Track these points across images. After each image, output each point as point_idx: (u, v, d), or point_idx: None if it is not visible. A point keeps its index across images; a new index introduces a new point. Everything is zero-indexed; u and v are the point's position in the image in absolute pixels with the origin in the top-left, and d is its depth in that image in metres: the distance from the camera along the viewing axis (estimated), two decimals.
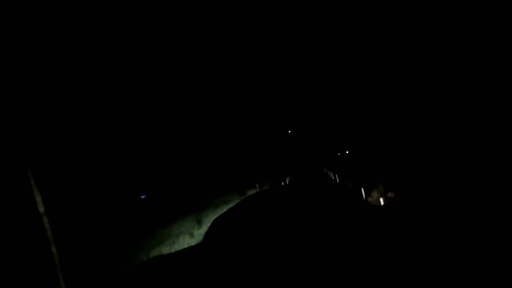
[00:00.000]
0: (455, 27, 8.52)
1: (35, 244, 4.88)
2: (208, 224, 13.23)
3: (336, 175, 18.46)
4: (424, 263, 7.18)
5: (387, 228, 9.51)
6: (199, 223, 13.23)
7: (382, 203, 12.42)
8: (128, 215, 16.49)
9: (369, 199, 14.55)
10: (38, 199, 5.30)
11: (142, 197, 19.77)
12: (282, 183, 25.99)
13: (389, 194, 13.81)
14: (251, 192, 21.62)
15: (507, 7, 7.17)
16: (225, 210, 16.50)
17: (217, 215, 15.27)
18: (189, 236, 11.31)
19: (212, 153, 25.35)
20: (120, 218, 15.35)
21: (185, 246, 10.52)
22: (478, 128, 8.99)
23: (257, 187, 21.85)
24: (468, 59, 8.43)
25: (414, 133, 10.54)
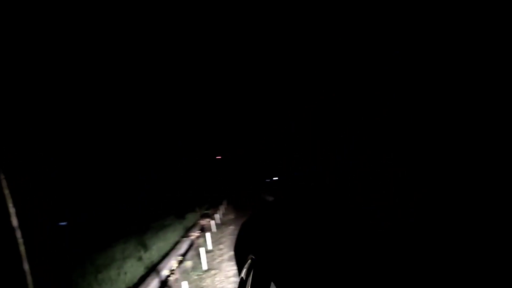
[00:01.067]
0: (455, 27, 9.21)
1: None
2: (155, 247, 12.63)
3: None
4: (424, 263, 7.40)
5: (387, 228, 9.65)
6: (144, 246, 12.52)
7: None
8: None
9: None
10: (12, 211, 4.83)
11: (62, 224, 17.81)
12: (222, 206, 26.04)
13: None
14: (190, 215, 21.21)
15: (507, 7, 7.84)
16: (168, 233, 15.86)
17: (160, 238, 14.63)
18: (137, 260, 10.69)
19: (152, 176, 24.29)
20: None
21: (134, 270, 9.95)
22: (478, 128, 9.36)
23: (197, 210, 21.65)
24: (468, 59, 9.09)
25: (414, 133, 11.06)
